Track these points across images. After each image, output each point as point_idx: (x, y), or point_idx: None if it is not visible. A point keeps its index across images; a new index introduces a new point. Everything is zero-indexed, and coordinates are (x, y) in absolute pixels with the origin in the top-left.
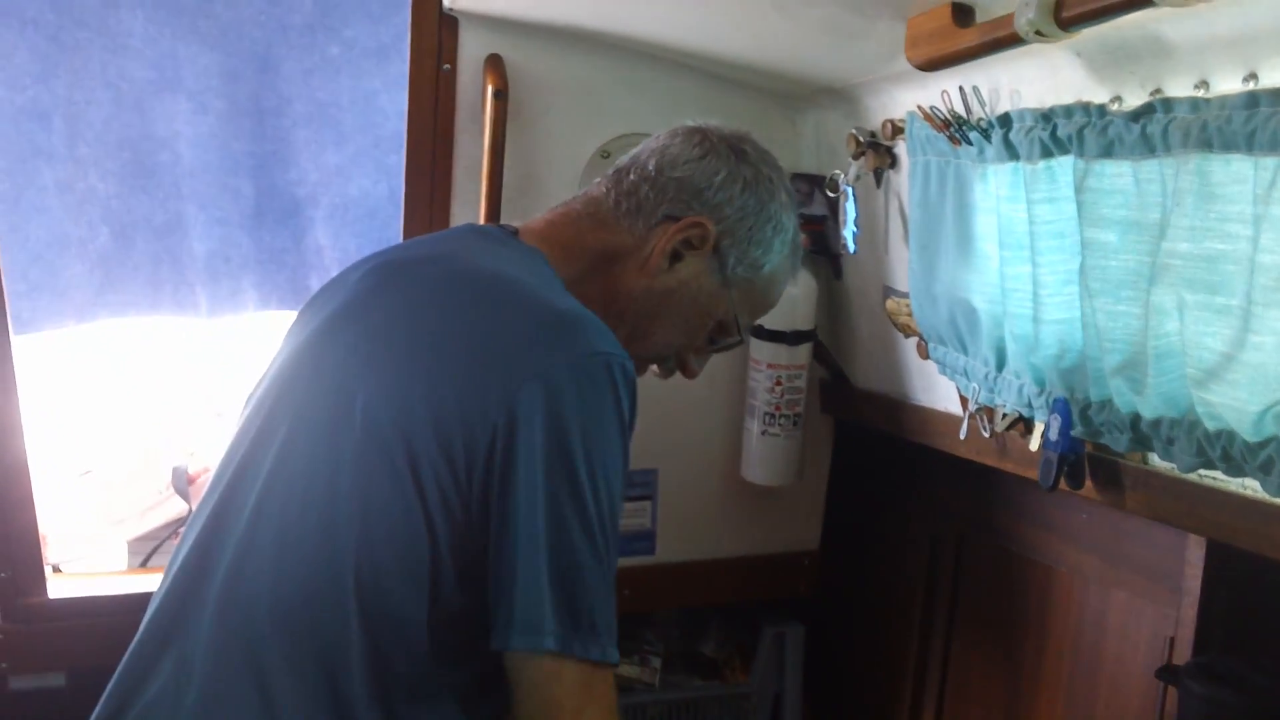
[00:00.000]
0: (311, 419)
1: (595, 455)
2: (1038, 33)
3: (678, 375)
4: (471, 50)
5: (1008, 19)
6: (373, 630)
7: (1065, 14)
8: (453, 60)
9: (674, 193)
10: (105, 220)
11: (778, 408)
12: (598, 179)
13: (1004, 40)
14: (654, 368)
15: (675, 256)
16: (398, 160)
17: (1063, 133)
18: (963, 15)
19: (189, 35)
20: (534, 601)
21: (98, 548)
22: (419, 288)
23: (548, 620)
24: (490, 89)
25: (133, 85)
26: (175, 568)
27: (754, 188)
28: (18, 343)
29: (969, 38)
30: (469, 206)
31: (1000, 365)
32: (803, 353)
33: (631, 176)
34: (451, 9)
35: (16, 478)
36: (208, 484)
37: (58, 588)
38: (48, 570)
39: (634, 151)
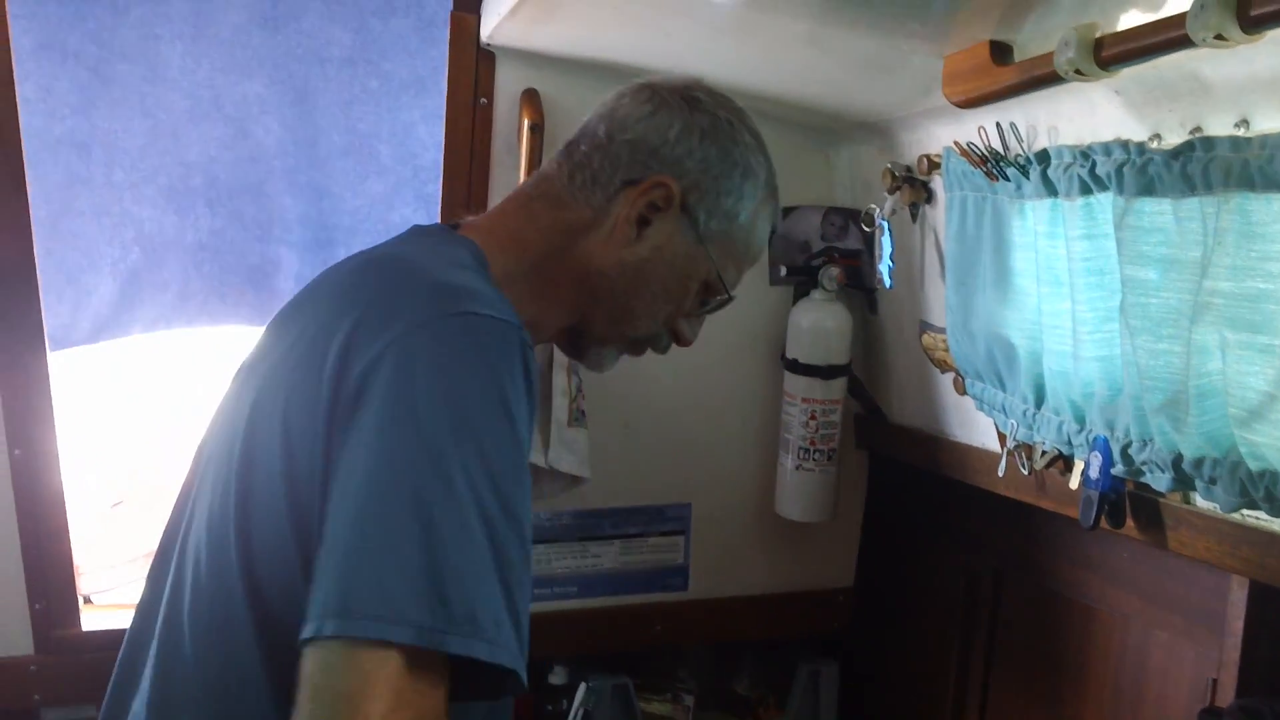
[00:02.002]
0: (213, 454)
1: (461, 425)
2: (1077, 71)
3: (715, 412)
4: (508, 84)
5: (1046, 57)
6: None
7: (1105, 54)
8: (489, 94)
9: (628, 156)
10: (137, 241)
11: (812, 442)
12: (554, 156)
13: (1043, 79)
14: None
15: (642, 223)
16: (436, 189)
17: (1102, 170)
18: (1001, 53)
19: (227, 67)
20: (382, 581)
21: (128, 579)
22: (307, 292)
23: (403, 607)
24: (526, 122)
25: (170, 114)
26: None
27: (713, 135)
28: (52, 359)
29: (1007, 76)
30: None
31: (1039, 402)
32: (837, 387)
33: (583, 147)
34: (489, 44)
35: (52, 509)
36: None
37: (90, 620)
38: (80, 602)
39: (584, 120)
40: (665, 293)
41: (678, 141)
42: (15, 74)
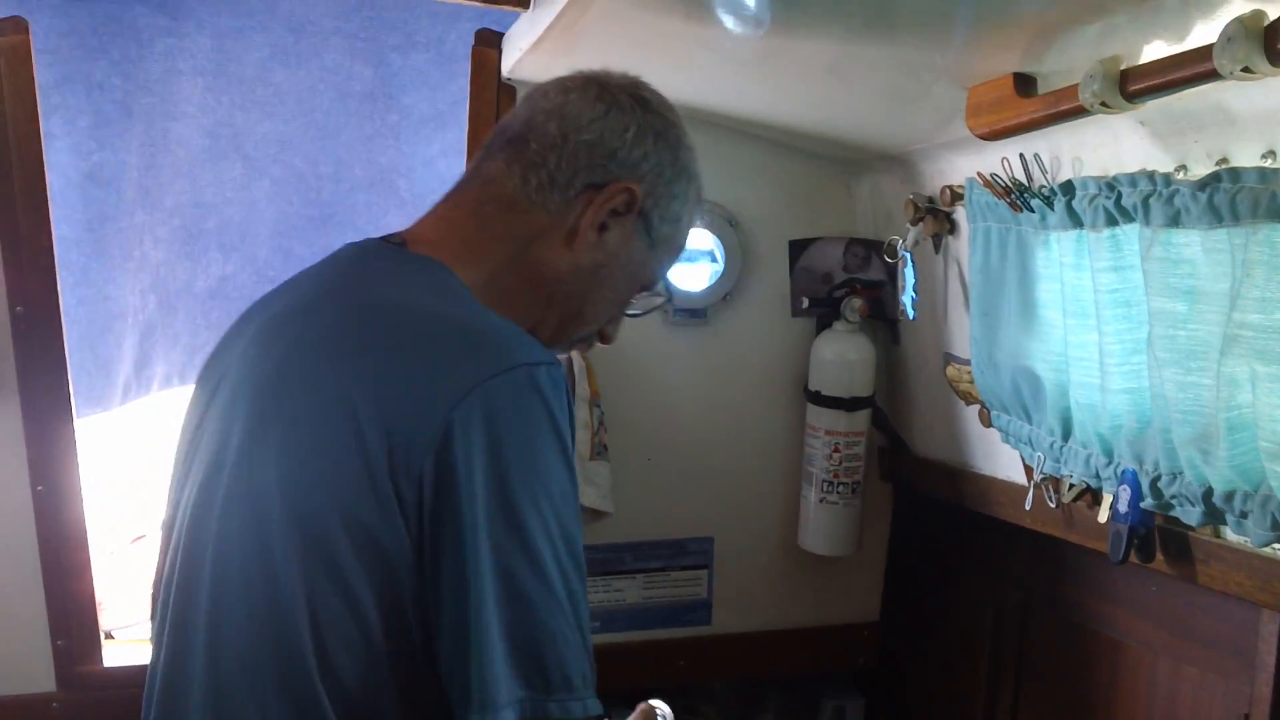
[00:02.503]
0: (239, 524)
1: (537, 486)
2: (1103, 104)
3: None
4: None
5: (1071, 90)
6: None
7: (1131, 87)
8: None
9: (586, 158)
10: (154, 288)
11: (836, 475)
12: (486, 154)
13: (1068, 112)
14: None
15: (601, 227)
16: None
17: (1127, 201)
18: (1025, 85)
19: (247, 103)
20: (489, 669)
21: (148, 614)
22: (307, 347)
23: (510, 687)
24: None
25: (190, 151)
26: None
27: (664, 138)
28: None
29: (1032, 108)
30: None
31: (1066, 435)
32: (861, 419)
33: (534, 145)
34: (510, 78)
35: (75, 546)
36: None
37: (112, 655)
38: (102, 638)
39: (522, 114)
40: (614, 295)
41: (634, 144)
42: (40, 108)
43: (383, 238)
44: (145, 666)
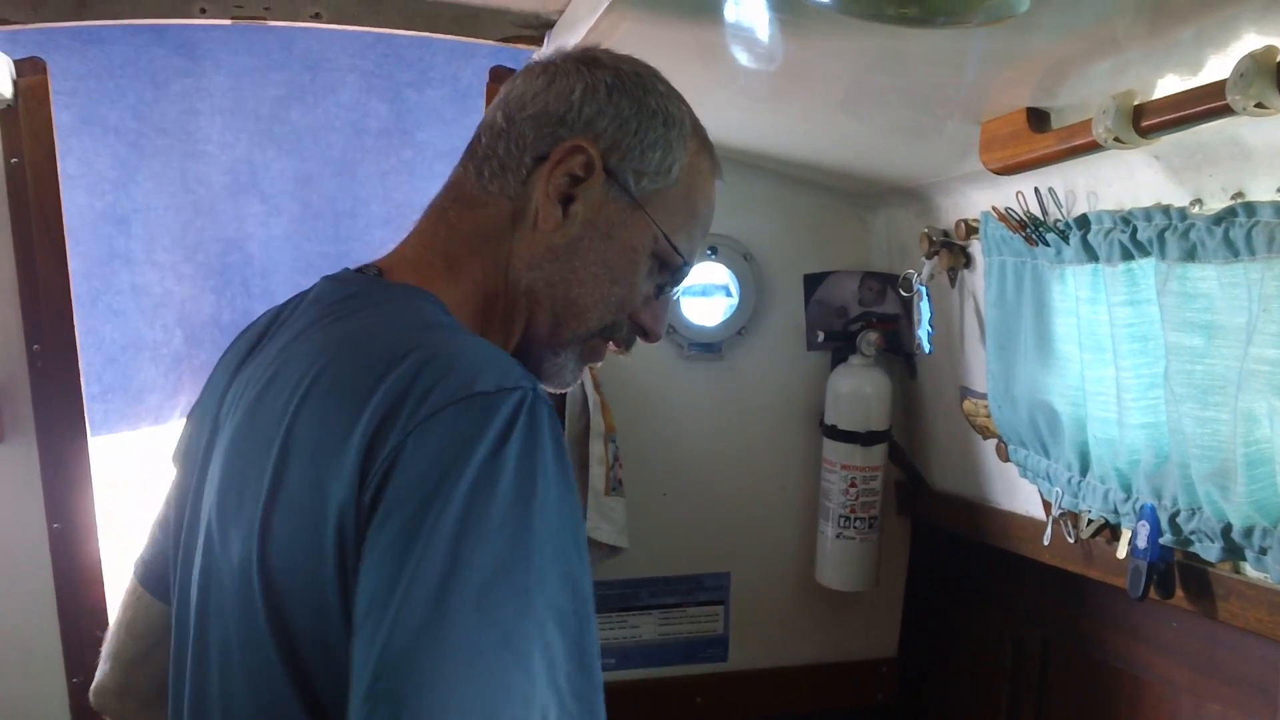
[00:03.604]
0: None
1: (488, 530)
2: (1117, 139)
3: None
4: None
5: (1085, 125)
6: None
7: (1145, 122)
8: None
9: (533, 132)
10: (180, 323)
11: (853, 510)
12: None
13: (1081, 147)
14: (611, 345)
15: (567, 200)
16: None
17: (1143, 235)
18: (1038, 120)
19: (265, 141)
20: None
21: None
22: (266, 403)
23: None
24: None
25: (209, 190)
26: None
27: (620, 87)
28: (94, 443)
29: (1045, 143)
30: None
31: (1084, 469)
32: (878, 454)
33: (484, 139)
34: None
35: (90, 582)
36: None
37: None
38: None
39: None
40: (609, 272)
41: (584, 102)
42: (58, 150)
43: (359, 268)
44: None
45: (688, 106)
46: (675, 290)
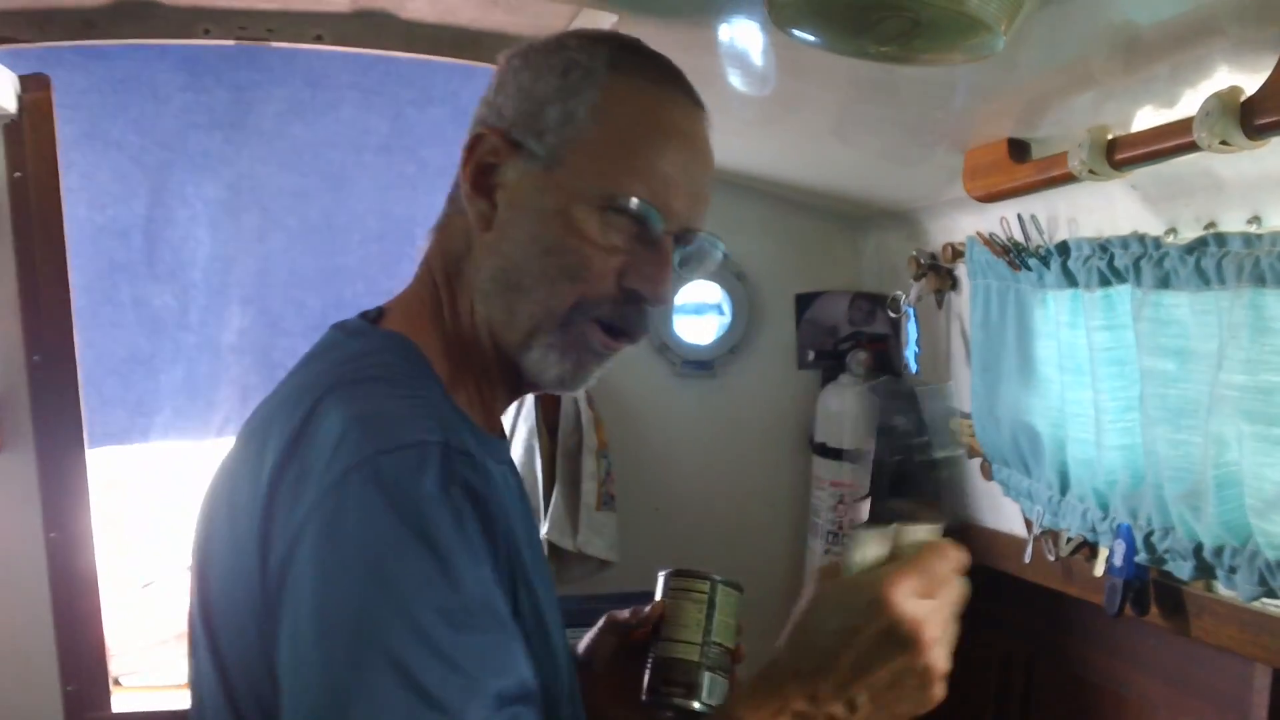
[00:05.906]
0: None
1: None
2: (1091, 171)
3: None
4: None
5: (1062, 157)
6: None
7: (1118, 156)
8: None
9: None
10: (176, 340)
11: (841, 527)
12: None
13: (1058, 178)
14: (607, 337)
15: (488, 192)
16: None
17: (1120, 263)
18: (1019, 151)
19: (265, 156)
20: None
21: (157, 662)
22: (235, 466)
23: None
24: None
25: (208, 205)
26: None
27: (527, 67)
28: (93, 455)
29: (1025, 173)
30: None
31: (1064, 489)
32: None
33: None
34: None
35: (86, 592)
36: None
37: (120, 702)
38: (110, 684)
39: None
40: (538, 243)
41: (496, 94)
42: (60, 164)
43: (364, 314)
44: (152, 713)
45: (609, 46)
46: (658, 233)
